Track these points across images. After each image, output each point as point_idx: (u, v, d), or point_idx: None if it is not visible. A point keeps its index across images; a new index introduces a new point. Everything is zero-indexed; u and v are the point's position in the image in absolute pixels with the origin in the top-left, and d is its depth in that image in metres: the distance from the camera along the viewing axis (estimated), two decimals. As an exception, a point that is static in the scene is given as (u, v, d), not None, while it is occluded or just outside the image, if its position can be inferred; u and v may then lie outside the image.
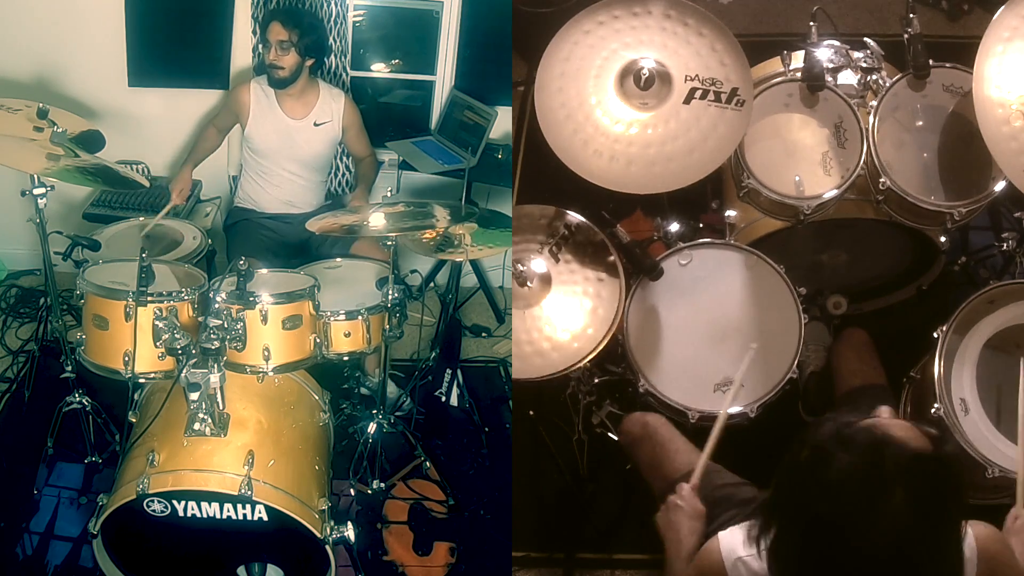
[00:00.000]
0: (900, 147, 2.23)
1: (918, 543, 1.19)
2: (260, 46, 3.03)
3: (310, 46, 2.92)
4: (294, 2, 3.19)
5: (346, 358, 2.41)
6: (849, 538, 1.20)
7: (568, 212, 2.24)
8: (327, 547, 2.04)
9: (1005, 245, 2.34)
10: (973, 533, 1.44)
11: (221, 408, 2.06)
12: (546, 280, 2.19)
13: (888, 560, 1.19)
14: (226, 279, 2.21)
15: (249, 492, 1.96)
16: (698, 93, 2.09)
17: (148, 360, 2.15)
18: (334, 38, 3.27)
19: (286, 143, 3.03)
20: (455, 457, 2.88)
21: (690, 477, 1.85)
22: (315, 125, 3.04)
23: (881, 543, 1.18)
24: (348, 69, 3.37)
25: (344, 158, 3.39)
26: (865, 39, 2.38)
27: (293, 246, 3.05)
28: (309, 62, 2.95)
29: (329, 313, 2.33)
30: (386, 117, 3.73)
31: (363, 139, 3.18)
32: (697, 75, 2.10)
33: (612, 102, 2.11)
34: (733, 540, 1.53)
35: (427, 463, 2.78)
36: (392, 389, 2.99)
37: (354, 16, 3.45)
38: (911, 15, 2.24)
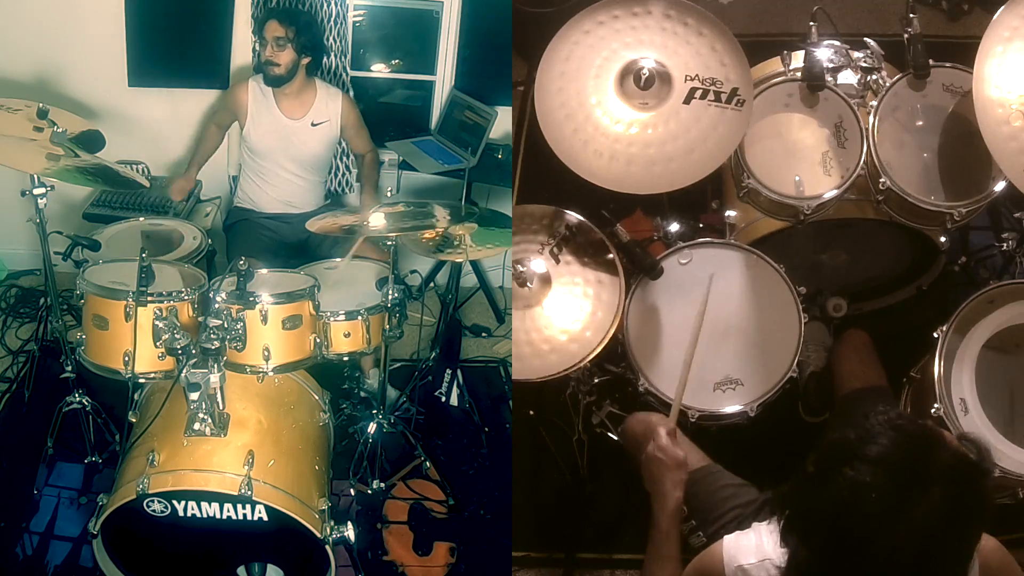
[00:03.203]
0: (900, 147, 2.23)
1: (940, 546, 1.18)
2: (257, 44, 3.04)
3: (306, 44, 2.92)
4: (292, 1, 3.19)
5: (346, 358, 2.41)
6: (874, 527, 1.18)
7: (568, 212, 2.24)
8: (327, 547, 2.04)
9: (1005, 245, 2.35)
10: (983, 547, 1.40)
11: (221, 408, 2.06)
12: (546, 280, 2.19)
13: (907, 555, 1.17)
14: (226, 279, 2.21)
15: (249, 492, 1.96)
16: (698, 93, 2.08)
17: (148, 360, 2.15)
18: (334, 38, 3.27)
19: (283, 143, 3.03)
20: (455, 457, 2.88)
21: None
22: (312, 125, 3.03)
23: (905, 536, 1.17)
24: (348, 69, 3.37)
25: (344, 158, 3.39)
26: (865, 39, 2.38)
27: (293, 246, 3.05)
28: (305, 60, 2.94)
29: (329, 313, 2.33)
30: (386, 117, 3.73)
31: (363, 136, 3.18)
32: (697, 75, 2.09)
33: (612, 102, 2.11)
34: (736, 547, 1.52)
35: (427, 463, 2.78)
36: (391, 393, 2.99)
37: (354, 16, 3.45)
38: (911, 15, 2.24)
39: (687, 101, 2.08)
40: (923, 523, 1.17)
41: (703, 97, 2.08)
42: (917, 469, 1.19)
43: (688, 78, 2.09)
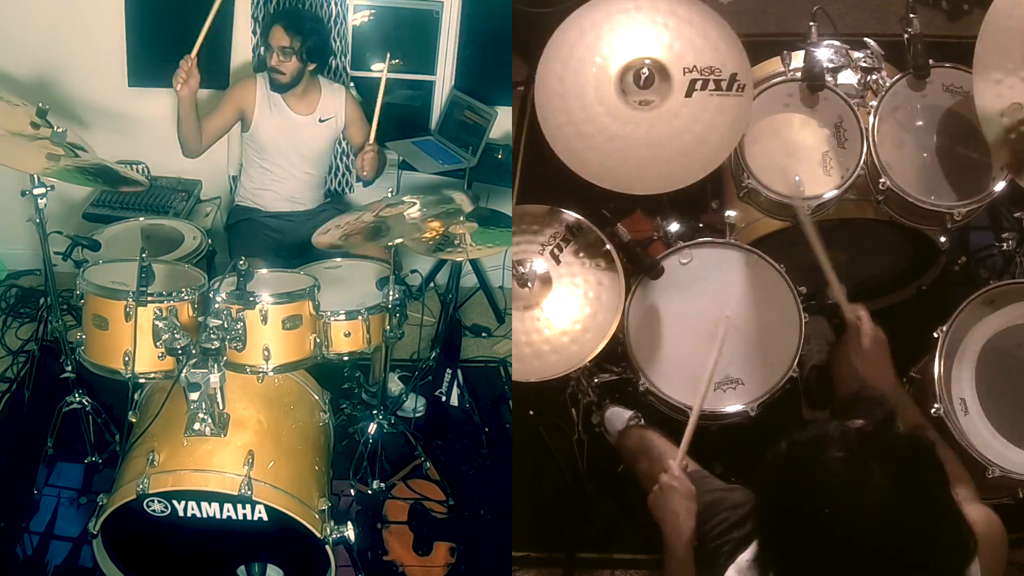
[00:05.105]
0: (900, 147, 2.23)
1: (907, 512, 1.20)
2: (262, 48, 3.02)
3: (312, 51, 2.89)
4: (296, 4, 3.18)
5: (346, 358, 2.41)
6: (832, 526, 1.21)
7: (569, 213, 2.23)
8: (327, 547, 2.04)
9: (1005, 245, 2.35)
10: (972, 517, 1.40)
11: (221, 408, 2.06)
12: (546, 281, 2.19)
13: (877, 534, 1.19)
14: (226, 279, 2.20)
15: (249, 492, 1.96)
16: (699, 84, 2.08)
17: (148, 360, 2.15)
18: (334, 38, 3.27)
19: (292, 139, 3.02)
20: (455, 457, 2.88)
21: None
22: (320, 121, 3.03)
23: (864, 521, 1.19)
24: (348, 69, 3.37)
25: (344, 158, 3.39)
26: (865, 39, 2.38)
27: (295, 246, 3.04)
28: (311, 67, 2.92)
29: (329, 313, 2.33)
30: (386, 117, 3.70)
31: (364, 131, 3.16)
32: (695, 65, 2.09)
33: (612, 101, 2.10)
34: None
35: (427, 463, 2.78)
36: (397, 385, 2.99)
37: (354, 16, 3.45)
38: (911, 15, 2.24)
39: (689, 94, 2.08)
40: (876, 500, 1.19)
41: (704, 88, 2.08)
42: (850, 462, 1.22)
43: (686, 70, 2.09)
